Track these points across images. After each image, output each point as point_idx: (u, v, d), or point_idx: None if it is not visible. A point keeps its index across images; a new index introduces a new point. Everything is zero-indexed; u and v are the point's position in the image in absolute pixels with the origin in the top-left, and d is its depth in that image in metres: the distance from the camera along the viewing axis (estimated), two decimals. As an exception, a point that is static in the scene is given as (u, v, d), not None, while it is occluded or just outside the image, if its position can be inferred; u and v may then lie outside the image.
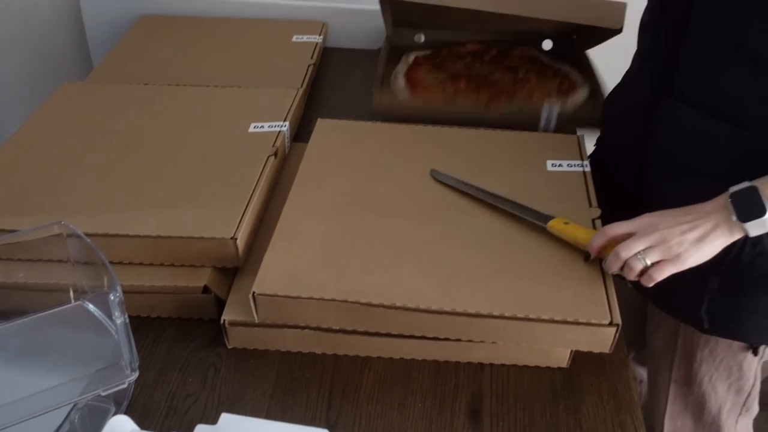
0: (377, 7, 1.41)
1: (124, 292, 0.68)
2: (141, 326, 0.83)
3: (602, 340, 0.75)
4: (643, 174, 0.92)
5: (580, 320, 0.73)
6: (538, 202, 0.88)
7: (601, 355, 0.78)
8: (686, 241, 0.74)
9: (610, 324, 0.73)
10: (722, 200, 0.74)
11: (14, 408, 0.63)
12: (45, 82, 1.41)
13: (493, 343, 0.77)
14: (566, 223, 0.82)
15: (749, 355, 0.93)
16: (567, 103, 1.16)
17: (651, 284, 0.75)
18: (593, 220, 0.86)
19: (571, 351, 0.79)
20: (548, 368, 0.80)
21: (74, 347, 0.75)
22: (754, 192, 0.73)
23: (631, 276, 0.75)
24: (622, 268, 0.76)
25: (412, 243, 0.83)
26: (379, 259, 0.80)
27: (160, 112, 1.06)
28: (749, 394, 0.97)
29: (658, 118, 0.87)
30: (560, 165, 0.96)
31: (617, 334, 0.74)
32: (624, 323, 0.74)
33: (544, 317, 0.73)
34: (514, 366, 0.80)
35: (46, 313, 0.75)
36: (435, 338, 0.77)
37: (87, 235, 0.76)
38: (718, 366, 0.94)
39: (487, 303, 0.74)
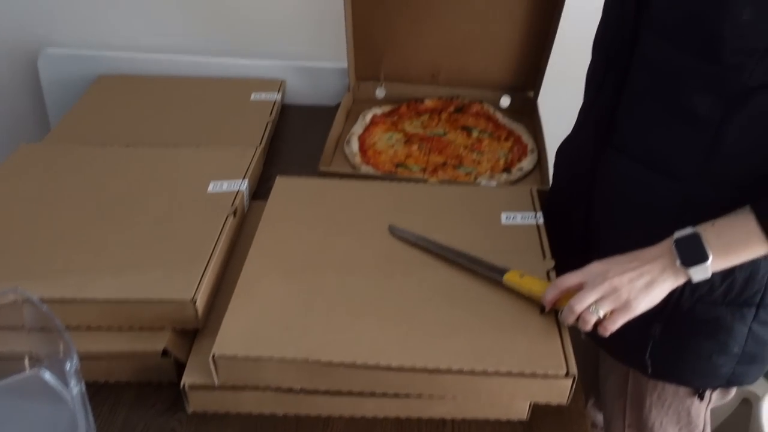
0: (334, 64, 1.46)
1: (81, 358, 0.68)
2: (99, 392, 0.82)
3: (559, 391, 0.76)
4: (590, 223, 0.95)
5: (537, 372, 0.75)
6: (494, 255, 0.90)
7: (559, 405, 0.79)
8: (635, 288, 0.76)
9: (567, 375, 0.75)
10: (667, 245, 0.77)
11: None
12: (1, 143, 1.41)
13: (453, 397, 0.78)
14: (521, 276, 0.84)
15: (696, 400, 0.95)
16: (513, 171, 1.20)
17: (607, 334, 0.77)
18: (548, 272, 0.88)
19: (530, 403, 0.80)
20: (509, 421, 0.81)
21: (30, 417, 0.73)
22: (697, 238, 0.76)
23: (586, 328, 0.77)
24: (577, 320, 0.78)
25: (371, 299, 0.84)
26: (339, 317, 0.81)
27: (118, 174, 1.06)
28: None
29: (601, 169, 0.91)
30: (514, 218, 0.99)
31: (574, 385, 0.75)
32: (579, 370, 0.75)
33: (501, 370, 0.74)
34: (475, 420, 0.81)
35: (1, 383, 0.73)
36: (396, 395, 0.78)
37: (43, 300, 0.75)
38: (667, 411, 0.97)
39: (446, 358, 0.75)
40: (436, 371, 0.75)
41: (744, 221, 0.76)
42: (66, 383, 0.68)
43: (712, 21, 0.71)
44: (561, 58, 1.31)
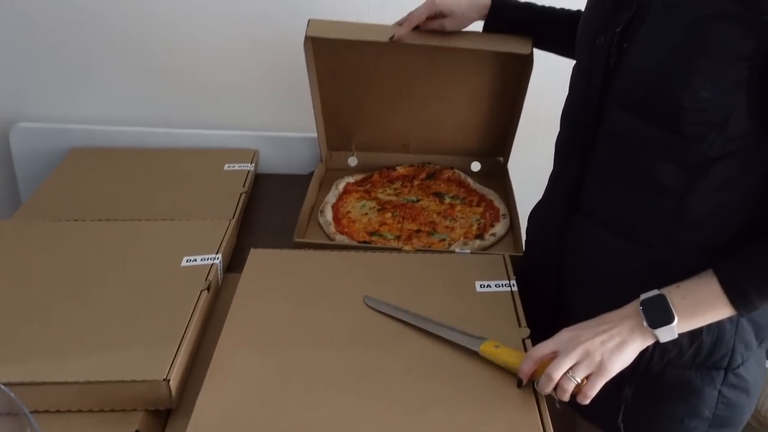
0: (306, 134, 1.48)
1: (51, 444, 0.66)
2: (68, 478, 0.79)
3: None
4: (561, 288, 0.97)
5: (517, 445, 0.74)
6: (469, 323, 0.90)
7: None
8: (607, 350, 0.77)
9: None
10: (634, 307, 0.79)
11: None
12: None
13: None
14: (497, 347, 0.84)
15: None
16: (486, 236, 1.22)
17: (587, 401, 0.77)
18: (523, 340, 0.89)
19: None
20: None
21: None
22: (662, 300, 0.78)
23: (565, 397, 0.77)
24: (555, 389, 0.78)
25: (348, 373, 0.83)
26: (315, 393, 0.80)
27: (90, 249, 1.06)
28: None
29: (571, 235, 0.93)
30: (489, 285, 0.99)
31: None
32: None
33: (481, 444, 0.74)
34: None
35: (-36, 473, 0.71)
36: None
37: (11, 384, 0.74)
38: None
39: (425, 433, 0.75)
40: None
41: (707, 283, 0.78)
42: (34, 472, 0.66)
43: (674, 95, 0.74)
44: (531, 124, 1.34)
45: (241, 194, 1.28)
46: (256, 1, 1.42)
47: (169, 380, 0.79)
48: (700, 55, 0.72)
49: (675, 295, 0.78)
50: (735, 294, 0.76)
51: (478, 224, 1.27)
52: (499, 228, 1.25)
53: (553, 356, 0.79)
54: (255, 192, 1.40)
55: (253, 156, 1.44)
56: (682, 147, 0.77)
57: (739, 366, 0.88)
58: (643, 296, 0.79)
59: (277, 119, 1.53)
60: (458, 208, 1.32)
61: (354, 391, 0.81)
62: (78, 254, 1.04)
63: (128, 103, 1.51)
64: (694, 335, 0.84)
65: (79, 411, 0.81)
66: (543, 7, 1.14)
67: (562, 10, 1.11)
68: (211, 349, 0.86)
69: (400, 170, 1.42)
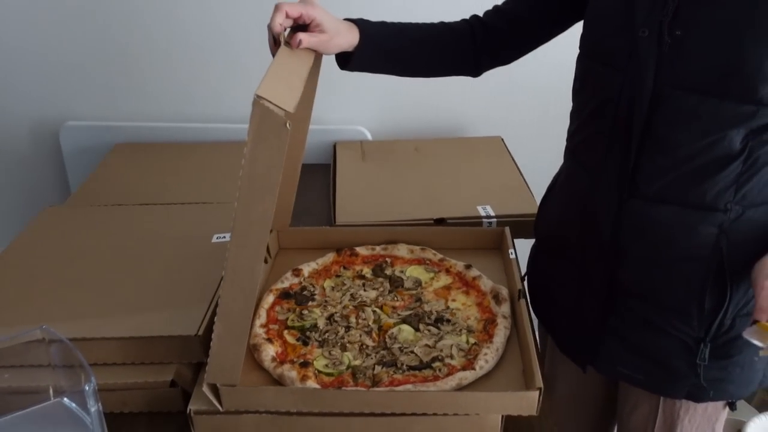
0: (325, 126, 1.58)
1: (99, 389, 0.77)
2: (114, 422, 0.89)
3: (528, 404, 0.84)
4: (616, 275, 0.96)
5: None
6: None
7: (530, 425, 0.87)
8: None
9: (533, 388, 0.83)
10: None
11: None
12: (26, 207, 1.53)
13: (433, 415, 0.86)
14: None
15: (722, 415, 1.00)
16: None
17: None
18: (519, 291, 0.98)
19: (502, 418, 0.87)
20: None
21: (53, 441, 0.82)
22: None
23: None
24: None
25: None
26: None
27: (132, 230, 1.18)
28: None
29: (629, 218, 0.92)
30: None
31: (541, 397, 0.83)
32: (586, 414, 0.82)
33: (476, 387, 0.83)
34: (454, 437, 0.88)
35: (27, 411, 0.82)
36: (382, 414, 0.86)
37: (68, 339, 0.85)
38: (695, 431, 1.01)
39: (424, 378, 0.84)
40: (419, 390, 0.83)
41: None
42: (86, 409, 0.77)
43: (757, 67, 0.79)
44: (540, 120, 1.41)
45: (267, 180, 1.39)
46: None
47: (200, 336, 0.90)
48: None
49: None
50: None
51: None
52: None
53: None
54: (280, 179, 1.51)
55: (279, 147, 1.55)
56: (755, 114, 0.81)
57: None
58: None
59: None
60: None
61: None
62: (121, 234, 1.17)
63: (166, 101, 1.63)
64: None
65: (123, 363, 0.92)
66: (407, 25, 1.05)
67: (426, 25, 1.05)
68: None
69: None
